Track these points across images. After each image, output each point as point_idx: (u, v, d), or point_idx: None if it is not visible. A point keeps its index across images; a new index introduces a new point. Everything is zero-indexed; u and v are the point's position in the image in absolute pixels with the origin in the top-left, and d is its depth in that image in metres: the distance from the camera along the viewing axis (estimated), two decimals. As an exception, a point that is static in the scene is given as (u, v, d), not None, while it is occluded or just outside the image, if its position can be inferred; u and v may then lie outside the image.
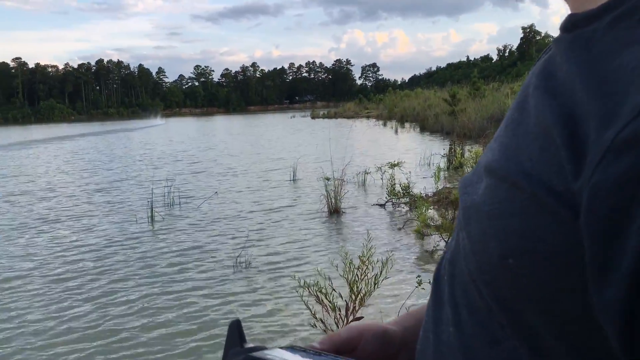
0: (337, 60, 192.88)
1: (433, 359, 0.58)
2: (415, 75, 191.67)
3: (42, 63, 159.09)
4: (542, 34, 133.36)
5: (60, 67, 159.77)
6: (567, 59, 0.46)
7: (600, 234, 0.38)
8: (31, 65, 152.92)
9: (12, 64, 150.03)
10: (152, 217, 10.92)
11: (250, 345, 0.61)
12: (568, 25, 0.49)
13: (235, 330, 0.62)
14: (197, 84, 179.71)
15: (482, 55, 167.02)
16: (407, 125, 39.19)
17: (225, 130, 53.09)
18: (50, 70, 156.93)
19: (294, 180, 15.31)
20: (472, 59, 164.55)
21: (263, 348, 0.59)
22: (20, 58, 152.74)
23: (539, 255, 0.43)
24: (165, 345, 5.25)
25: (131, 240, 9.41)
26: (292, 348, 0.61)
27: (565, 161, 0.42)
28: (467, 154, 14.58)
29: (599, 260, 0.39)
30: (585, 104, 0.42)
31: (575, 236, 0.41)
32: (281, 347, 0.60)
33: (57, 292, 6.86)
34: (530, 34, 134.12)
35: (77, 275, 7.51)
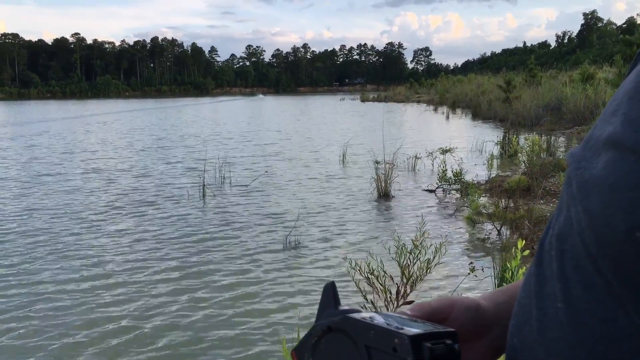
0: (388, 43, 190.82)
1: (537, 334, 0.56)
2: (468, 60, 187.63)
3: (100, 39, 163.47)
4: (605, 21, 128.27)
5: (117, 43, 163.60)
6: None
7: None
8: (89, 41, 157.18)
9: (71, 39, 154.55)
10: (203, 194, 11.13)
11: (345, 307, 0.60)
12: None
13: (330, 292, 0.62)
14: (248, 63, 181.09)
15: (540, 41, 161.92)
16: (458, 111, 38.52)
17: (276, 112, 53.36)
18: (107, 46, 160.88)
19: (343, 163, 15.30)
20: (529, 45, 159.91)
21: (358, 310, 0.59)
22: (79, 34, 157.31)
23: None
24: (216, 324, 5.38)
25: (183, 217, 9.61)
26: (384, 313, 0.60)
27: None
28: (522, 142, 14.24)
29: None
30: None
31: None
32: (377, 312, 0.59)
33: (111, 264, 7.11)
34: (591, 21, 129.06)
35: (128, 252, 7.75)
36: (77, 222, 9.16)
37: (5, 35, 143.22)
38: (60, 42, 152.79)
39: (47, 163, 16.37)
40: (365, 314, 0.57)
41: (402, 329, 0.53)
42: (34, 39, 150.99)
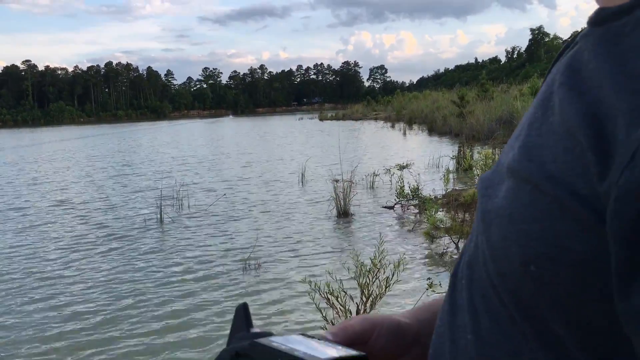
0: (344, 62, 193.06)
1: None
2: (423, 77, 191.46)
3: (52, 66, 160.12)
4: (551, 36, 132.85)
5: (70, 69, 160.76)
6: (595, 55, 0.44)
7: (628, 238, 0.36)
8: (41, 67, 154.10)
9: (21, 67, 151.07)
10: (161, 219, 10.95)
11: (257, 330, 0.58)
12: (597, 19, 0.46)
13: (242, 313, 0.60)
14: (205, 86, 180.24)
15: (490, 57, 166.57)
16: (415, 127, 39.11)
17: (234, 133, 53.17)
18: (59, 72, 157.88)
19: (302, 182, 15.30)
20: (480, 60, 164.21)
21: (270, 334, 0.57)
22: (30, 60, 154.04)
23: (562, 263, 0.41)
24: (171, 345, 5.26)
25: (140, 242, 9.43)
26: (302, 335, 0.59)
27: (591, 163, 0.39)
28: (476, 156, 14.53)
29: (626, 266, 0.36)
30: (613, 101, 0.39)
31: (601, 242, 0.38)
32: (290, 335, 0.58)
33: (64, 295, 6.89)
34: (538, 36, 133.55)
35: (84, 278, 7.54)
36: (32, 255, 8.87)
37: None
38: (11, 70, 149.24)
39: (-3, 194, 15.86)
40: (276, 339, 0.55)
41: (311, 355, 0.52)
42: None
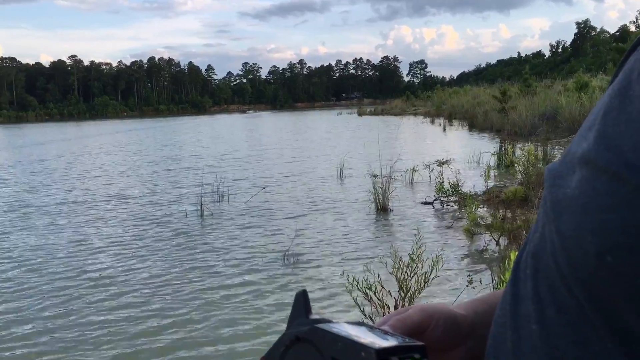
0: (384, 57, 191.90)
1: (512, 356, 0.55)
2: (463, 72, 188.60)
3: (97, 61, 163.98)
4: (598, 29, 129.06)
5: (114, 64, 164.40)
6: None
7: None
8: (86, 62, 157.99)
9: (68, 62, 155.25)
10: (202, 213, 11.12)
11: (316, 316, 0.59)
12: None
13: (302, 300, 0.60)
14: (245, 81, 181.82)
15: (534, 51, 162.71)
16: (455, 122, 38.63)
17: (274, 128, 53.49)
18: (104, 67, 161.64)
19: (341, 178, 15.31)
20: (524, 55, 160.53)
21: (329, 321, 0.57)
22: (76, 56, 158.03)
23: None
24: (211, 338, 5.35)
25: (181, 234, 9.61)
26: (359, 324, 0.60)
27: None
28: (518, 152, 14.26)
29: None
30: None
31: None
32: (348, 322, 0.59)
33: (110, 288, 7.09)
34: (584, 30, 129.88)
35: (125, 269, 7.73)
36: (79, 247, 9.15)
37: (2, 59, 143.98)
38: (58, 65, 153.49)
39: (47, 187, 16.40)
40: (335, 325, 0.55)
41: (371, 342, 0.52)
42: (32, 62, 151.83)
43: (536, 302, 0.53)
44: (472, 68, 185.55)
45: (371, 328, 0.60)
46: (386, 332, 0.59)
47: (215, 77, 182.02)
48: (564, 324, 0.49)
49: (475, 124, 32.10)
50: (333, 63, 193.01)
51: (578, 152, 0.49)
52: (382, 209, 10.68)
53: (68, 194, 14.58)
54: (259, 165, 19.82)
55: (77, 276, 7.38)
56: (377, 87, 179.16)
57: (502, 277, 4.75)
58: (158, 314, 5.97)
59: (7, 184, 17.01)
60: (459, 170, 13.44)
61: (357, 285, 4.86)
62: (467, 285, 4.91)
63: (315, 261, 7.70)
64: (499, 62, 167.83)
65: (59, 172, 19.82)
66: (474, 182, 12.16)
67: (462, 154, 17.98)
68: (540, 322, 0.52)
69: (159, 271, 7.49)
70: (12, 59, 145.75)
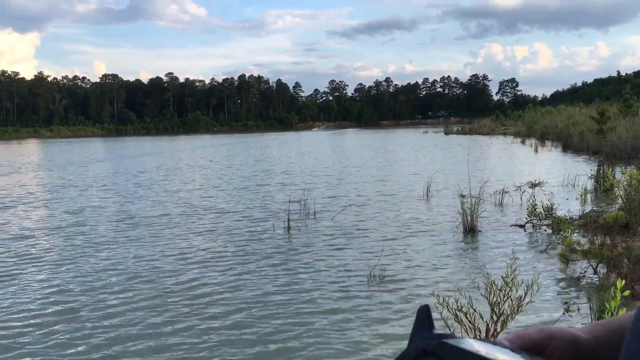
0: (473, 75, 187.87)
1: None
2: (557, 91, 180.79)
3: (191, 78, 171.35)
4: None
5: (207, 81, 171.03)
6: None
7: None
8: (181, 79, 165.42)
9: (165, 79, 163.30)
10: (289, 227, 11.33)
11: (440, 331, 0.60)
12: None
13: (425, 315, 0.61)
14: (331, 98, 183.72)
15: (635, 70, 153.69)
16: (547, 143, 37.17)
17: (359, 145, 53.64)
18: (197, 84, 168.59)
19: (427, 196, 15.11)
20: (623, 74, 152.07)
21: (453, 335, 0.58)
22: (172, 73, 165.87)
23: None
24: (303, 354, 5.43)
25: (269, 250, 9.79)
26: (482, 340, 0.60)
27: None
28: (618, 176, 13.51)
29: None
30: None
31: None
32: (471, 338, 0.59)
33: (194, 297, 7.36)
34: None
35: (214, 280, 7.99)
36: (177, 259, 9.58)
37: (105, 76, 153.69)
38: (155, 82, 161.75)
39: (149, 199, 17.30)
40: (461, 340, 0.56)
41: (500, 358, 0.53)
42: (132, 79, 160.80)
43: None
44: (566, 87, 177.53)
45: (494, 344, 0.61)
46: (513, 350, 0.61)
47: (302, 94, 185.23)
48: None
49: (569, 145, 30.76)
50: (420, 81, 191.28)
51: None
52: (471, 230, 10.44)
53: (167, 206, 15.26)
54: (346, 182, 19.93)
55: (172, 288, 7.72)
56: (464, 105, 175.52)
57: (602, 305, 4.53)
58: (248, 328, 6.14)
59: (113, 195, 18.09)
60: (552, 193, 12.93)
61: (447, 306, 4.78)
62: (564, 313, 4.71)
63: (401, 280, 7.64)
64: (597, 81, 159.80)
65: (159, 184, 20.85)
66: (568, 206, 11.65)
67: (556, 176, 17.27)
68: None
69: (248, 286, 7.68)
70: (115, 76, 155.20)
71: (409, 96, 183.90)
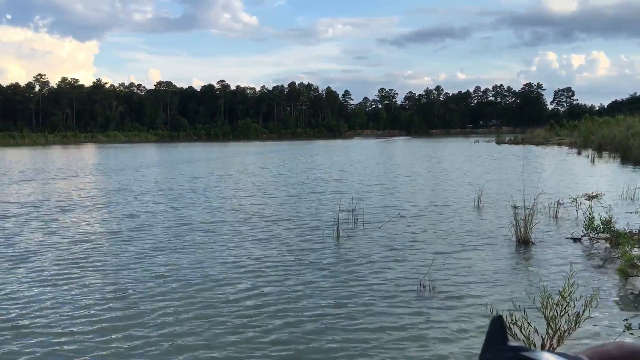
0: (526, 83, 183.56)
1: None
2: (615, 100, 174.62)
3: (242, 85, 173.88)
4: None
5: (257, 88, 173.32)
6: None
7: None
8: (232, 87, 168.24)
9: (217, 86, 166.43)
10: (338, 235, 11.35)
11: (514, 343, 0.60)
12: None
13: (498, 326, 0.62)
14: (380, 106, 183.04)
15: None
16: (605, 154, 35.98)
17: (409, 154, 53.24)
18: (248, 92, 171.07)
19: (478, 207, 14.88)
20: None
21: (527, 349, 0.58)
22: (224, 80, 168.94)
23: None
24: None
25: (319, 258, 9.82)
26: (558, 353, 0.60)
27: None
28: (681, 190, 12.97)
29: None
30: None
31: None
32: (548, 351, 0.59)
33: (248, 307, 7.46)
34: None
35: (266, 290, 8.06)
36: (230, 265, 9.76)
37: (160, 83, 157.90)
38: (207, 89, 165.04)
39: (202, 205, 17.67)
40: (537, 353, 0.57)
41: None
42: (185, 86, 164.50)
43: None
44: (626, 96, 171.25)
45: (571, 358, 0.62)
46: None
47: (351, 102, 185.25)
48: None
49: (628, 157, 29.70)
50: (471, 90, 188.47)
51: None
52: (524, 242, 10.22)
53: (221, 212, 15.50)
54: (396, 190, 19.82)
55: (227, 297, 7.86)
56: (517, 114, 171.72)
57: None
58: (301, 344, 6.19)
59: (169, 200, 18.53)
60: (610, 206, 12.54)
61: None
62: (624, 331, 4.56)
63: (451, 290, 7.54)
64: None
65: (212, 190, 21.24)
66: (628, 220, 11.24)
67: (614, 188, 16.71)
68: None
69: (302, 298, 7.69)
70: (169, 83, 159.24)
71: (459, 105, 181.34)
